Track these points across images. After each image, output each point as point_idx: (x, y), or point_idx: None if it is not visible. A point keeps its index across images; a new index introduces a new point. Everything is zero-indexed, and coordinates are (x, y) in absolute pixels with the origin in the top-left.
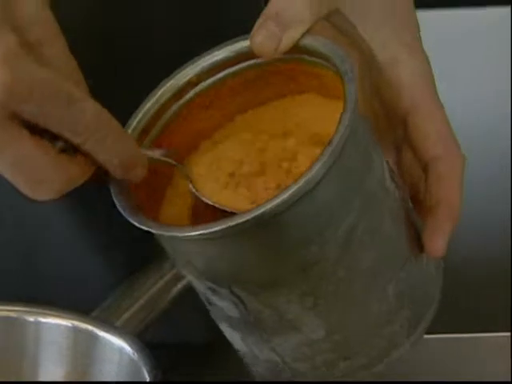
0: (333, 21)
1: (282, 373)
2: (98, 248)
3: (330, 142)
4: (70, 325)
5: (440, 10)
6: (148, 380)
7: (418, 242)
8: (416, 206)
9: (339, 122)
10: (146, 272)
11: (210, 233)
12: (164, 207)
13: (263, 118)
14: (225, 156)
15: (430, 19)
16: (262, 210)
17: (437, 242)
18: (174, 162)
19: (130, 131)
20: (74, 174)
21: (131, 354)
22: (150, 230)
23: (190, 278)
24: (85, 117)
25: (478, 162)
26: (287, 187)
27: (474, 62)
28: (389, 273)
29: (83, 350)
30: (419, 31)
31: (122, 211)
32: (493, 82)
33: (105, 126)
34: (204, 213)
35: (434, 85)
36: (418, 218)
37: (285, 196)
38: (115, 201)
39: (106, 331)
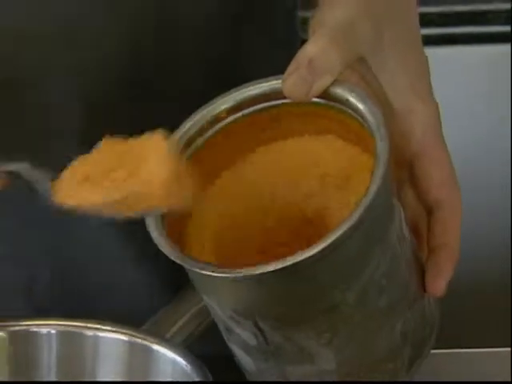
0: (356, 67)
1: None
2: (143, 258)
3: (365, 196)
4: (125, 339)
5: (441, 47)
6: None
7: (423, 282)
8: (416, 240)
9: (372, 180)
10: (193, 287)
11: (246, 276)
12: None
13: (284, 152)
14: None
15: (430, 56)
16: (298, 258)
17: (440, 284)
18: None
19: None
20: None
21: (184, 366)
22: (184, 265)
23: (212, 305)
24: None
25: (478, 194)
26: (323, 239)
27: (474, 99)
28: (399, 313)
29: (138, 362)
30: (430, 78)
31: (158, 244)
32: (493, 118)
33: None
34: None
35: (442, 131)
36: (422, 258)
37: (320, 247)
38: (151, 234)
39: (160, 344)
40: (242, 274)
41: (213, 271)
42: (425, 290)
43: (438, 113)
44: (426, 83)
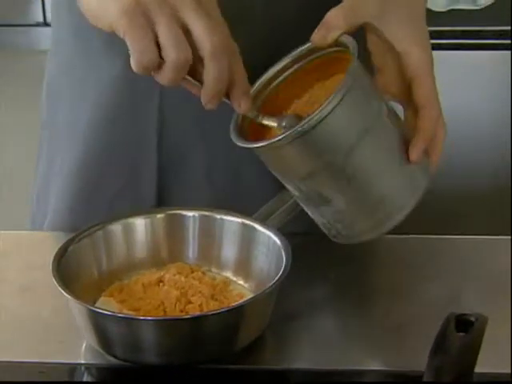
0: (369, 28)
1: (331, 230)
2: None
3: (343, 78)
4: (240, 221)
5: (444, 52)
6: (284, 257)
7: (406, 158)
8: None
9: (347, 71)
10: (282, 194)
11: (267, 145)
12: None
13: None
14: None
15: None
16: (304, 124)
17: (415, 154)
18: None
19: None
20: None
21: (276, 240)
22: (240, 144)
23: (276, 174)
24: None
25: (478, 201)
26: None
27: (474, 102)
28: (380, 178)
29: (247, 236)
30: (427, 34)
31: (231, 135)
32: (493, 123)
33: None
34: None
35: (432, 65)
36: (407, 141)
37: (311, 117)
38: (231, 132)
39: (260, 226)
40: (261, 144)
41: (250, 144)
42: (408, 159)
43: (430, 53)
44: (423, 36)
